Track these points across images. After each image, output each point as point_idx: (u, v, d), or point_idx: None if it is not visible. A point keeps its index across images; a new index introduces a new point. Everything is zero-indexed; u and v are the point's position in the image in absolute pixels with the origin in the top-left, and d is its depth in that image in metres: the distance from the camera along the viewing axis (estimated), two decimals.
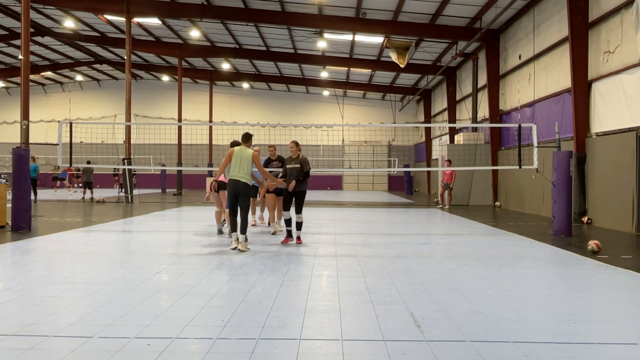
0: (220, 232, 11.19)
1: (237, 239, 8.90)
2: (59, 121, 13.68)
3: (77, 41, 30.86)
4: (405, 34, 22.57)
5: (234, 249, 8.85)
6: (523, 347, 4.11)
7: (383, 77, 34.11)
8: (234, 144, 9.81)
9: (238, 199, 8.89)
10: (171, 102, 39.05)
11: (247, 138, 9.28)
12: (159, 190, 34.98)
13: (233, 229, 8.96)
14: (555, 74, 16.57)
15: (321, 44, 26.09)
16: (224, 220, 11.21)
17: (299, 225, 10.02)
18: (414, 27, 21.93)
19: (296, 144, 9.98)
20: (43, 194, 28.72)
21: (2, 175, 15.23)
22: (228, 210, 9.14)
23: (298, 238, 10.03)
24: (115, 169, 35.83)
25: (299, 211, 9.87)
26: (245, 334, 4.38)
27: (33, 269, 7.14)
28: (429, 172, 34.01)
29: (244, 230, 8.96)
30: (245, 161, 8.97)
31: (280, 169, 10.41)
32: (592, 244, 9.02)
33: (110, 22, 27.18)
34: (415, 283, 6.43)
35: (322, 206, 21.33)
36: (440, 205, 20.91)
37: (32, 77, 35.79)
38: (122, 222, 14.00)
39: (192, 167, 33.12)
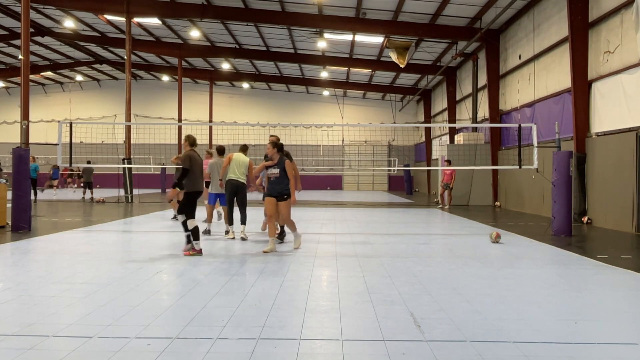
0: (208, 232, 11.33)
1: (233, 230, 10.74)
2: (59, 121, 13.69)
3: (77, 41, 30.87)
4: (405, 34, 22.57)
5: (233, 238, 10.53)
6: (523, 347, 4.11)
7: (383, 77, 34.11)
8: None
9: (237, 196, 10.41)
10: (171, 102, 39.05)
11: (245, 148, 10.90)
12: (159, 190, 35.00)
13: (230, 222, 10.74)
14: (555, 74, 16.57)
15: (321, 44, 26.09)
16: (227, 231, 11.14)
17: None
18: (414, 27, 21.93)
19: (184, 138, 8.73)
20: (43, 194, 28.72)
21: (2, 175, 15.24)
22: (226, 206, 10.83)
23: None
24: (71, 168, 34.75)
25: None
26: (245, 334, 4.38)
27: (33, 269, 7.14)
28: (429, 172, 34.02)
29: (244, 222, 10.52)
30: (243, 165, 10.47)
31: (276, 169, 8.93)
32: (493, 234, 10.20)
33: (110, 22, 27.18)
34: (415, 283, 6.43)
35: (322, 206, 21.34)
36: (440, 205, 20.91)
37: (32, 77, 35.78)
38: (122, 222, 13.99)
39: None
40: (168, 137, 33.61)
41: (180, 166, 8.61)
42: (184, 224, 8.47)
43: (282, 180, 8.81)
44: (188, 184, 8.44)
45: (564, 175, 11.40)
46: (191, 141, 8.77)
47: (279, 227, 10.25)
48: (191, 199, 8.50)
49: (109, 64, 36.81)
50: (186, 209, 8.48)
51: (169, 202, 10.51)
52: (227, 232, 10.94)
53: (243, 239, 10.33)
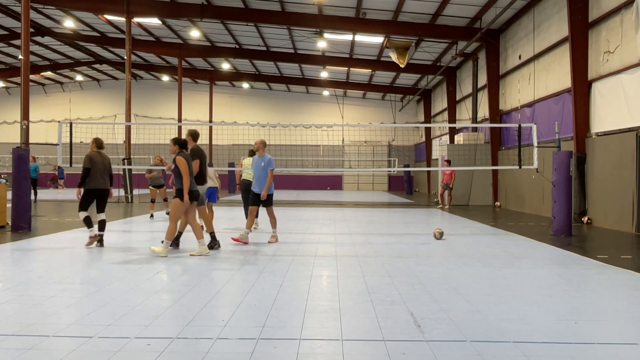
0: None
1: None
2: (59, 121, 13.69)
3: (77, 41, 30.86)
4: (405, 34, 22.57)
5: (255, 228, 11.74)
6: (523, 347, 4.11)
7: (383, 77, 34.11)
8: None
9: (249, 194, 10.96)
10: (171, 102, 39.05)
11: (253, 153, 11.11)
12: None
13: (247, 216, 11.05)
14: (555, 74, 16.57)
15: (321, 44, 26.09)
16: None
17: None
18: (414, 27, 21.93)
19: (92, 140, 9.47)
20: (43, 194, 28.72)
21: (2, 175, 15.25)
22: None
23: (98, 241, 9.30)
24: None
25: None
26: (245, 334, 4.38)
27: (33, 269, 7.14)
28: (429, 172, 34.03)
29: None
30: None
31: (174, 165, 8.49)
32: (435, 231, 10.77)
33: (110, 22, 27.18)
34: (415, 283, 6.43)
35: (322, 206, 21.34)
36: (440, 205, 20.91)
37: (32, 77, 35.79)
38: (122, 222, 13.99)
39: None
40: (168, 137, 33.53)
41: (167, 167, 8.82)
42: (85, 219, 9.30)
43: (176, 178, 8.38)
44: (87, 182, 9.24)
45: (564, 175, 11.39)
46: (98, 144, 9.57)
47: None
48: (88, 195, 9.32)
49: (109, 64, 36.80)
50: (81, 202, 9.34)
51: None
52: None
53: (254, 228, 11.80)
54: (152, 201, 15.23)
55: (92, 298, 5.55)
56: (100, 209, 9.46)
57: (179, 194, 8.26)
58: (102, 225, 9.37)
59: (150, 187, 15.31)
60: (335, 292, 5.96)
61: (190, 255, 8.35)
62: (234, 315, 4.94)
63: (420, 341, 4.23)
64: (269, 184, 9.78)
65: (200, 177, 9.09)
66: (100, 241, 9.26)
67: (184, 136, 9.21)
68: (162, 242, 8.54)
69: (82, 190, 9.36)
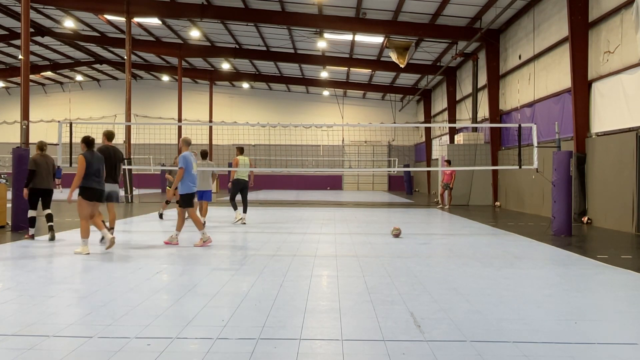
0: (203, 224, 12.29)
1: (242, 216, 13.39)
2: (59, 121, 13.68)
3: (77, 41, 30.87)
4: (405, 34, 22.58)
5: (244, 223, 13.27)
6: (523, 347, 4.11)
7: (383, 77, 34.12)
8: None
9: (242, 191, 13.45)
10: (171, 102, 39.04)
11: (242, 149, 13.88)
12: (159, 190, 35.00)
13: (235, 208, 13.70)
14: (555, 74, 16.57)
15: (321, 44, 26.10)
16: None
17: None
18: (414, 27, 21.94)
19: (37, 144, 10.66)
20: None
21: (2, 175, 15.24)
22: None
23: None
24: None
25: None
26: (245, 334, 4.38)
27: (33, 269, 7.14)
28: (429, 172, 34.03)
29: (245, 210, 13.61)
30: (246, 165, 13.40)
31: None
32: (396, 230, 11.05)
33: (110, 22, 27.18)
34: (415, 283, 6.43)
35: (322, 206, 21.34)
36: (440, 205, 20.91)
37: (32, 77, 35.76)
38: (122, 222, 13.97)
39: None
40: (168, 137, 33.59)
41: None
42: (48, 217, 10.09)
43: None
44: (33, 182, 10.10)
45: (564, 175, 11.39)
46: (39, 146, 10.55)
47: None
48: (33, 195, 10.17)
49: (109, 64, 36.81)
50: (29, 201, 10.22)
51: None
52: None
53: (243, 223, 13.27)
54: (167, 202, 15.08)
55: (92, 298, 5.55)
56: (46, 206, 10.32)
57: (81, 192, 8.47)
58: (50, 217, 10.19)
59: (167, 187, 15.11)
60: (335, 292, 5.96)
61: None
62: (234, 315, 4.94)
63: (420, 341, 4.23)
64: (177, 182, 9.31)
65: (108, 177, 9.48)
66: (51, 230, 10.04)
67: (186, 136, 9.62)
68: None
69: (28, 191, 10.15)
